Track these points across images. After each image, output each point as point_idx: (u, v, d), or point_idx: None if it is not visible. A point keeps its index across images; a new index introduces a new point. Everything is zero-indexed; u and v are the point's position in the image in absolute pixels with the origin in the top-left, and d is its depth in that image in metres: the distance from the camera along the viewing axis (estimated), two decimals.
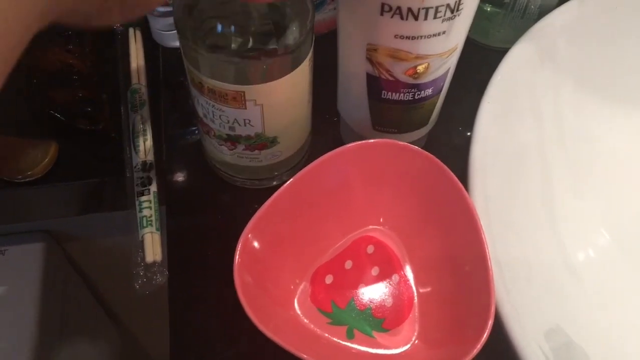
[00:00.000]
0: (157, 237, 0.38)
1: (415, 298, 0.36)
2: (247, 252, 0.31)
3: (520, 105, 0.41)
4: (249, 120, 0.33)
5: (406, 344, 0.34)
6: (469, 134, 0.38)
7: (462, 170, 0.37)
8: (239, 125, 0.33)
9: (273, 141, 0.36)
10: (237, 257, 0.30)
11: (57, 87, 0.42)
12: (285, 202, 0.33)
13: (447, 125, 0.44)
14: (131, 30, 0.49)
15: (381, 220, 0.38)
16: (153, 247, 0.38)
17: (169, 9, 0.46)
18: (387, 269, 0.37)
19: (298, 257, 0.36)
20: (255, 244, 0.32)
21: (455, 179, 0.34)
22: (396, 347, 0.34)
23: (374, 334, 0.35)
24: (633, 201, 0.41)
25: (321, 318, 0.35)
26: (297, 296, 0.35)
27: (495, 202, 0.36)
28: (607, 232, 0.40)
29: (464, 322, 0.32)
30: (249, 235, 0.32)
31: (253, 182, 0.40)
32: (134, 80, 0.45)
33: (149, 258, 0.37)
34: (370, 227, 0.38)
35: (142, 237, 0.38)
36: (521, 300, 0.32)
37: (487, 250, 0.31)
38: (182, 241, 0.39)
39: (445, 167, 0.34)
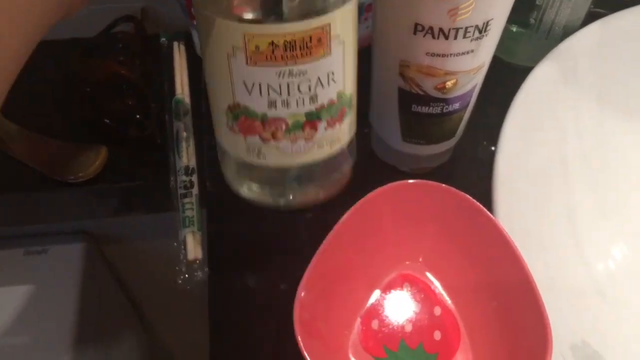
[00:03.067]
0: (198, 236, 0.41)
1: (462, 326, 0.37)
2: (302, 309, 0.31)
3: (543, 122, 0.43)
4: (333, 74, 0.29)
5: None
6: (493, 148, 0.40)
7: (486, 182, 0.39)
8: (322, 87, 0.29)
9: (349, 102, 0.32)
10: (296, 319, 0.31)
11: (108, 96, 0.45)
12: (333, 251, 0.34)
13: (473, 139, 0.46)
14: (175, 44, 0.52)
15: (420, 259, 0.39)
16: (194, 246, 0.40)
17: None
18: (428, 303, 0.38)
19: (343, 307, 0.36)
20: (308, 298, 0.32)
21: (491, 215, 0.35)
22: None
23: None
24: None
25: None
26: (350, 348, 0.36)
27: (518, 212, 0.37)
28: (628, 246, 0.42)
29: (519, 343, 0.33)
30: (303, 293, 0.32)
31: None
32: (178, 90, 0.48)
33: (191, 256, 0.40)
34: (403, 265, 0.39)
35: (184, 236, 0.41)
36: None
37: (531, 276, 0.32)
38: (221, 242, 0.42)
39: (480, 205, 0.35)
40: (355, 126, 0.36)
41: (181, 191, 0.43)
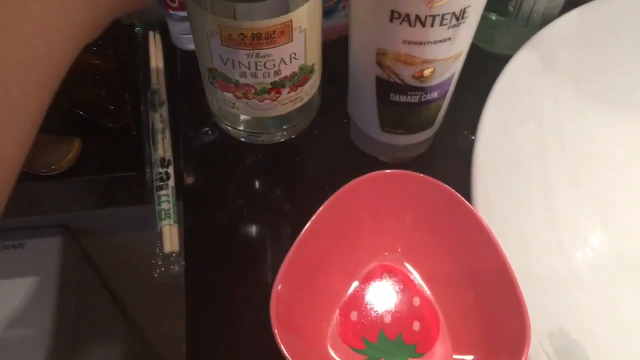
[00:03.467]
0: (174, 229, 0.40)
1: (440, 316, 0.36)
2: (280, 302, 0.31)
3: (522, 110, 0.43)
4: (295, 54, 0.33)
5: None
6: (472, 137, 0.40)
7: (465, 171, 0.39)
8: (285, 64, 0.33)
9: (311, 70, 0.36)
10: (272, 312, 0.30)
11: (81, 86, 0.44)
12: (310, 242, 0.34)
13: (452, 129, 0.46)
14: (151, 33, 0.51)
15: (399, 250, 0.39)
16: (171, 239, 0.40)
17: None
18: (407, 293, 0.37)
19: (322, 299, 0.36)
20: (285, 291, 0.32)
21: (469, 205, 0.35)
22: None
23: None
24: (631, 205, 0.43)
25: (357, 357, 0.35)
26: (328, 340, 0.35)
27: (496, 201, 0.37)
28: (605, 234, 0.42)
29: (498, 332, 0.33)
30: (279, 286, 0.32)
31: (276, 134, 0.41)
32: (154, 81, 0.47)
33: (167, 249, 0.39)
34: (382, 256, 0.39)
35: (161, 228, 0.40)
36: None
37: (509, 265, 0.32)
38: (198, 235, 0.41)
39: (458, 195, 0.35)
40: (318, 83, 0.40)
41: (157, 183, 0.42)
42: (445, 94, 0.38)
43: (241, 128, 0.41)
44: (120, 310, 0.81)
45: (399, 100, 0.37)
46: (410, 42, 0.33)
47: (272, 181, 0.44)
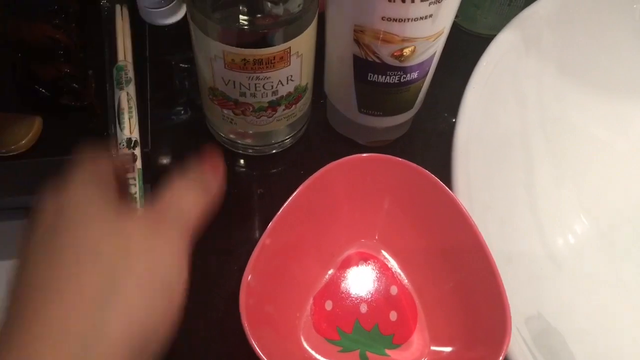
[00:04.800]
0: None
1: (418, 306, 0.35)
2: (250, 294, 0.30)
3: (504, 91, 0.41)
4: (291, 76, 0.35)
5: (422, 356, 0.33)
6: (453, 120, 0.38)
7: (445, 155, 0.37)
8: (282, 85, 0.35)
9: (305, 89, 0.38)
10: (241, 302, 0.29)
11: (42, 62, 0.42)
12: (284, 228, 0.32)
13: (432, 111, 0.45)
14: (118, 7, 0.48)
15: (376, 237, 0.37)
16: None
17: None
18: (384, 282, 0.36)
19: (295, 287, 0.35)
20: (256, 282, 0.31)
21: (447, 189, 0.34)
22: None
23: (387, 352, 0.34)
24: (611, 188, 0.42)
25: (331, 348, 0.33)
26: (301, 330, 0.34)
27: (477, 185, 0.36)
28: (585, 218, 0.41)
29: (477, 323, 0.32)
30: (249, 277, 0.30)
31: (271, 146, 0.42)
32: (120, 57, 0.45)
33: None
34: (359, 243, 0.37)
35: None
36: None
37: (490, 254, 0.31)
38: None
39: (438, 180, 0.34)
40: (309, 100, 0.41)
41: None
42: (426, 74, 0.37)
43: (231, 137, 0.42)
44: None
45: (378, 81, 0.35)
46: (389, 19, 0.31)
47: (244, 164, 0.43)
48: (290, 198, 0.33)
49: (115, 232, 0.23)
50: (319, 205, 0.35)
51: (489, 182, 0.38)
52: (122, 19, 0.48)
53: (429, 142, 0.44)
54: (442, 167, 0.36)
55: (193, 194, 0.27)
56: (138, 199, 0.39)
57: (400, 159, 0.34)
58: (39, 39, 0.42)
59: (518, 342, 0.31)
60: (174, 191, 0.27)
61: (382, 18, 0.31)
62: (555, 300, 0.37)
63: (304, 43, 0.34)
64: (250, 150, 0.42)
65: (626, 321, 0.37)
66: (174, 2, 0.48)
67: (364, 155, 0.35)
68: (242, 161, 0.42)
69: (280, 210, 0.32)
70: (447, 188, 0.34)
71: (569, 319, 0.36)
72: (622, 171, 0.43)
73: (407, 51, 0.33)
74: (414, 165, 0.34)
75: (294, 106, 0.38)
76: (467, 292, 0.33)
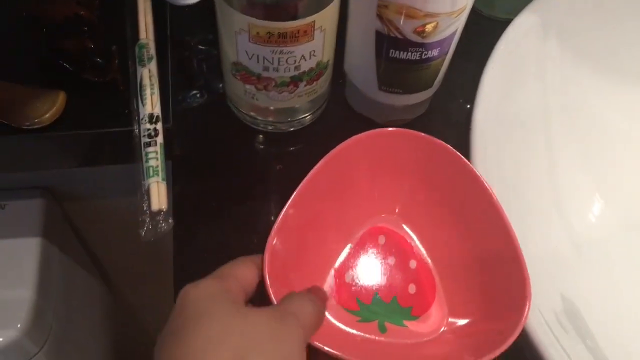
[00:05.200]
0: (162, 186, 0.39)
1: (437, 279, 0.36)
2: (274, 257, 0.30)
3: (522, 74, 0.42)
4: (314, 51, 0.36)
5: (440, 327, 0.34)
6: (471, 103, 0.39)
7: (463, 136, 0.38)
8: (305, 60, 0.36)
9: (326, 66, 0.39)
10: (265, 266, 0.30)
11: (66, 37, 0.42)
12: (306, 199, 0.33)
13: (450, 92, 0.45)
14: None
15: (396, 211, 0.38)
16: (159, 196, 0.38)
17: None
18: (403, 256, 0.37)
19: (317, 259, 0.35)
20: (280, 247, 0.31)
21: (471, 165, 0.34)
22: (431, 332, 0.34)
23: (405, 323, 0.34)
24: (630, 171, 0.42)
25: (350, 317, 0.34)
26: None
27: (496, 169, 0.36)
28: (605, 201, 0.41)
29: (497, 296, 0.32)
30: (275, 240, 0.31)
31: (291, 123, 0.43)
32: (142, 35, 0.46)
33: (155, 206, 0.38)
34: (379, 218, 0.38)
35: (148, 186, 0.39)
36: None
37: (510, 227, 0.31)
38: (187, 194, 0.40)
39: (456, 152, 0.34)
40: (330, 77, 0.41)
41: (145, 140, 0.40)
42: (447, 52, 0.37)
43: (252, 114, 0.42)
44: (102, 276, 0.79)
45: (399, 57, 0.36)
46: None
47: (264, 141, 0.43)
48: (312, 170, 0.33)
49: (242, 319, 0.26)
50: (340, 179, 0.35)
51: (507, 164, 0.38)
52: None
53: (448, 122, 0.45)
54: (459, 147, 0.36)
55: (310, 303, 0.29)
56: (160, 172, 0.39)
57: (422, 134, 0.35)
58: (63, 15, 0.43)
59: (540, 322, 0.31)
60: (293, 298, 0.29)
61: None
62: (576, 282, 0.37)
63: (327, 17, 0.34)
64: (270, 127, 0.42)
65: None
66: None
67: (386, 129, 0.35)
68: (261, 137, 0.43)
69: (302, 183, 0.33)
70: (468, 162, 0.34)
71: (591, 301, 0.36)
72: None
73: (429, 27, 0.34)
74: (436, 140, 0.35)
75: (315, 82, 0.38)
76: (487, 265, 0.33)
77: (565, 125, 0.42)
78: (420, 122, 0.44)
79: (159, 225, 0.38)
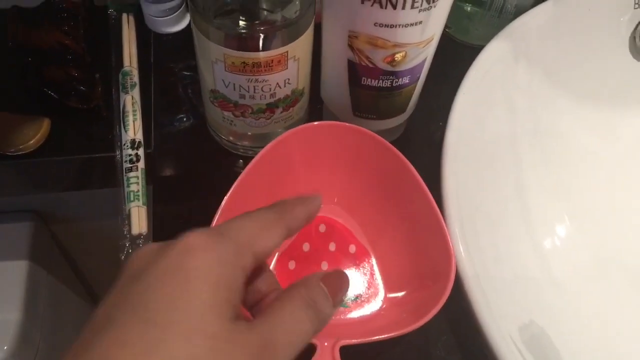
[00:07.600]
0: (143, 211, 0.40)
1: (374, 260, 0.39)
2: None
3: (493, 99, 0.43)
4: (288, 79, 0.37)
5: (380, 303, 0.37)
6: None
7: (438, 159, 0.39)
8: (280, 87, 0.37)
9: (302, 93, 0.40)
10: None
11: (51, 65, 0.44)
12: (246, 191, 0.34)
13: (426, 117, 0.46)
14: (124, 16, 0.50)
15: (335, 200, 0.40)
16: (139, 221, 0.39)
17: None
18: (343, 242, 0.39)
19: None
20: None
21: (399, 153, 0.36)
22: (372, 308, 0.37)
23: (348, 304, 0.37)
24: (600, 195, 0.43)
25: None
26: None
27: (467, 188, 0.38)
28: (573, 225, 0.42)
29: (426, 262, 0.35)
30: None
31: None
32: (126, 63, 0.47)
33: (135, 230, 0.39)
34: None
35: (129, 210, 0.40)
36: (491, 284, 0.34)
37: (434, 204, 0.34)
38: (167, 218, 0.41)
39: (383, 140, 0.36)
40: (306, 104, 0.43)
41: (126, 165, 0.41)
42: (417, 79, 0.38)
43: (231, 139, 0.43)
44: (89, 296, 0.80)
45: (371, 85, 0.37)
46: (381, 25, 0.33)
47: (244, 166, 0.44)
48: (248, 166, 0.35)
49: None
50: (277, 172, 0.37)
51: (478, 186, 0.39)
52: (128, 27, 0.50)
53: (427, 143, 0.46)
54: (435, 170, 0.38)
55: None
56: (140, 196, 0.40)
57: (351, 125, 0.37)
58: (49, 44, 0.44)
59: (510, 348, 0.32)
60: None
61: (375, 24, 0.33)
62: (545, 306, 0.38)
63: (300, 47, 0.35)
64: (250, 152, 0.43)
65: (614, 322, 0.38)
66: (178, 12, 0.50)
67: (317, 123, 0.37)
68: (241, 161, 0.44)
69: (238, 179, 0.34)
70: (398, 151, 0.36)
71: (559, 324, 0.37)
72: (609, 178, 0.45)
73: (398, 56, 0.35)
74: (367, 131, 0.37)
75: (291, 109, 0.40)
76: (416, 239, 0.36)
77: (536, 148, 0.43)
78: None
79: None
